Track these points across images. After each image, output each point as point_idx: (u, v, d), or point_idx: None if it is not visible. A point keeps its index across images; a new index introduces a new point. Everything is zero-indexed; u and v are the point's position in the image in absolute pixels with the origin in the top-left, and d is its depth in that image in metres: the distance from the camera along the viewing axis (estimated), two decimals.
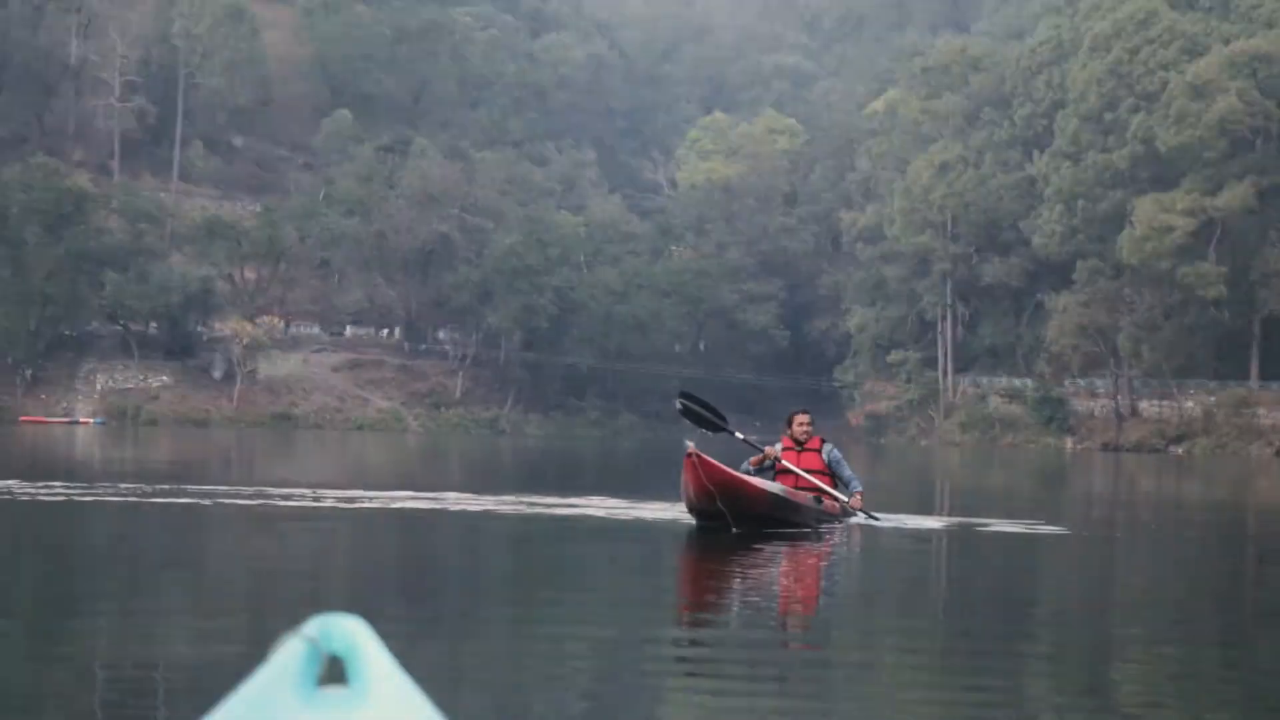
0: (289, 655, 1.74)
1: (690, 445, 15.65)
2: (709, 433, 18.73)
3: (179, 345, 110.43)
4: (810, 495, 17.01)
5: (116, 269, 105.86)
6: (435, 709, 1.78)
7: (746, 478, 15.94)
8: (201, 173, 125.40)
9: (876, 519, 17.54)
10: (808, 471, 17.38)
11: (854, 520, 17.43)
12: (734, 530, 15.53)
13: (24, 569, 12.01)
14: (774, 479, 17.24)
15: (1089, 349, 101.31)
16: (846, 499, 17.57)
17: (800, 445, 17.59)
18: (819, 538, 15.81)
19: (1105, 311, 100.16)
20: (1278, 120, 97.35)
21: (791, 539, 15.35)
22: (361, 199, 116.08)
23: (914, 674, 7.76)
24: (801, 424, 17.70)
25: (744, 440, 18.18)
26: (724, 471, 15.55)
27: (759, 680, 7.26)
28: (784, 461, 17.41)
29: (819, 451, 17.58)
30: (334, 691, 1.78)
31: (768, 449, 17.55)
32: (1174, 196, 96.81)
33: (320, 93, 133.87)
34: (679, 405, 18.78)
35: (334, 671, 1.75)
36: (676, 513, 16.72)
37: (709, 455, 15.61)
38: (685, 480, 15.70)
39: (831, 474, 17.61)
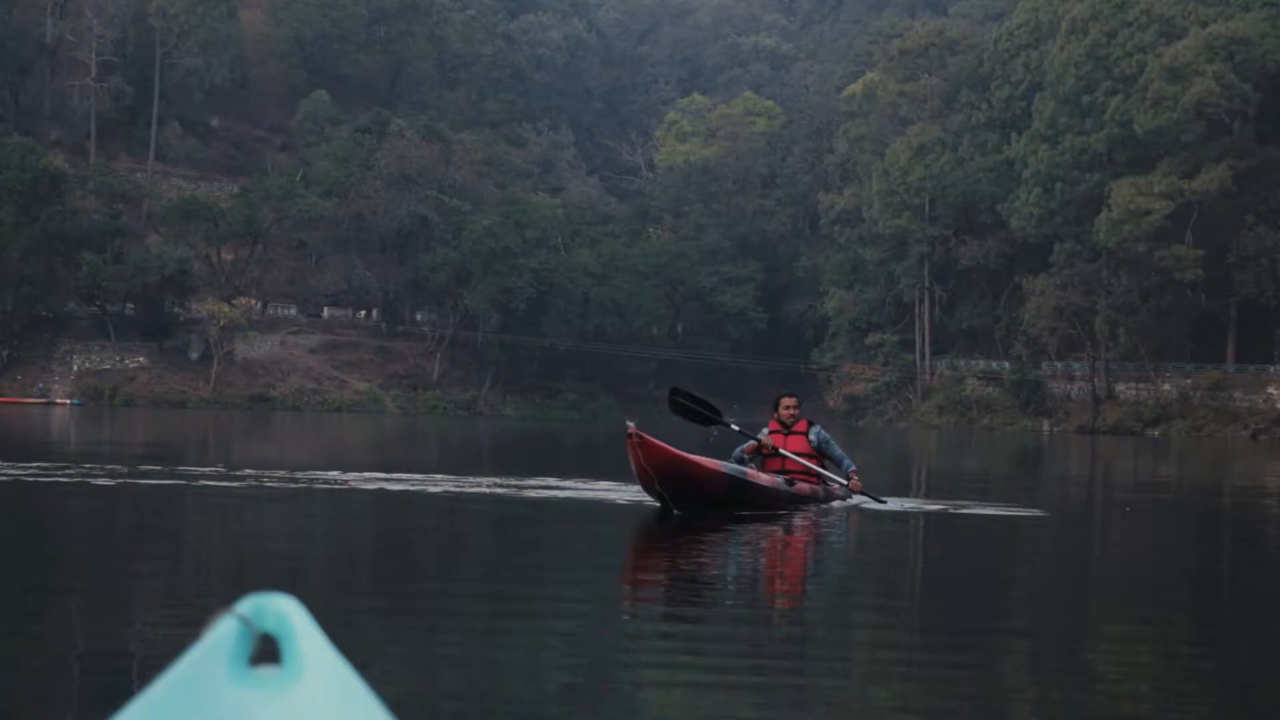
0: (221, 634, 1.79)
1: (630, 425, 15.48)
2: (704, 426, 18.55)
3: (156, 326, 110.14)
4: (782, 478, 16.90)
5: (93, 250, 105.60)
6: (368, 688, 1.81)
7: (693, 458, 15.66)
8: (178, 153, 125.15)
9: (883, 501, 17.50)
10: (795, 454, 17.31)
11: (854, 502, 17.38)
12: (675, 513, 15.43)
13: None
14: (764, 465, 17.19)
15: (1066, 332, 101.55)
16: (845, 482, 17.51)
17: (787, 429, 17.53)
18: (790, 520, 15.78)
19: (1082, 294, 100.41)
20: (1255, 103, 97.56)
21: (762, 521, 15.32)
22: (339, 180, 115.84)
23: (893, 657, 7.74)
24: (788, 407, 17.63)
25: (739, 431, 18.06)
26: (666, 452, 15.31)
27: (732, 659, 7.24)
28: (780, 449, 17.32)
29: (806, 435, 17.51)
30: (266, 670, 1.77)
31: (761, 437, 17.48)
32: (1151, 179, 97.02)
33: (297, 73, 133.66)
34: (669, 402, 18.67)
35: (268, 651, 1.79)
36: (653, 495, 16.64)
37: (651, 435, 15.48)
38: (630, 462, 15.56)
39: (821, 456, 17.55)
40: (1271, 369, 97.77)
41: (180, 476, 19.72)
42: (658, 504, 15.82)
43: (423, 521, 15.57)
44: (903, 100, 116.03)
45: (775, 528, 14.88)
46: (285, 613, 1.79)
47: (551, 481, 20.57)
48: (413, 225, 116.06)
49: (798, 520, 15.74)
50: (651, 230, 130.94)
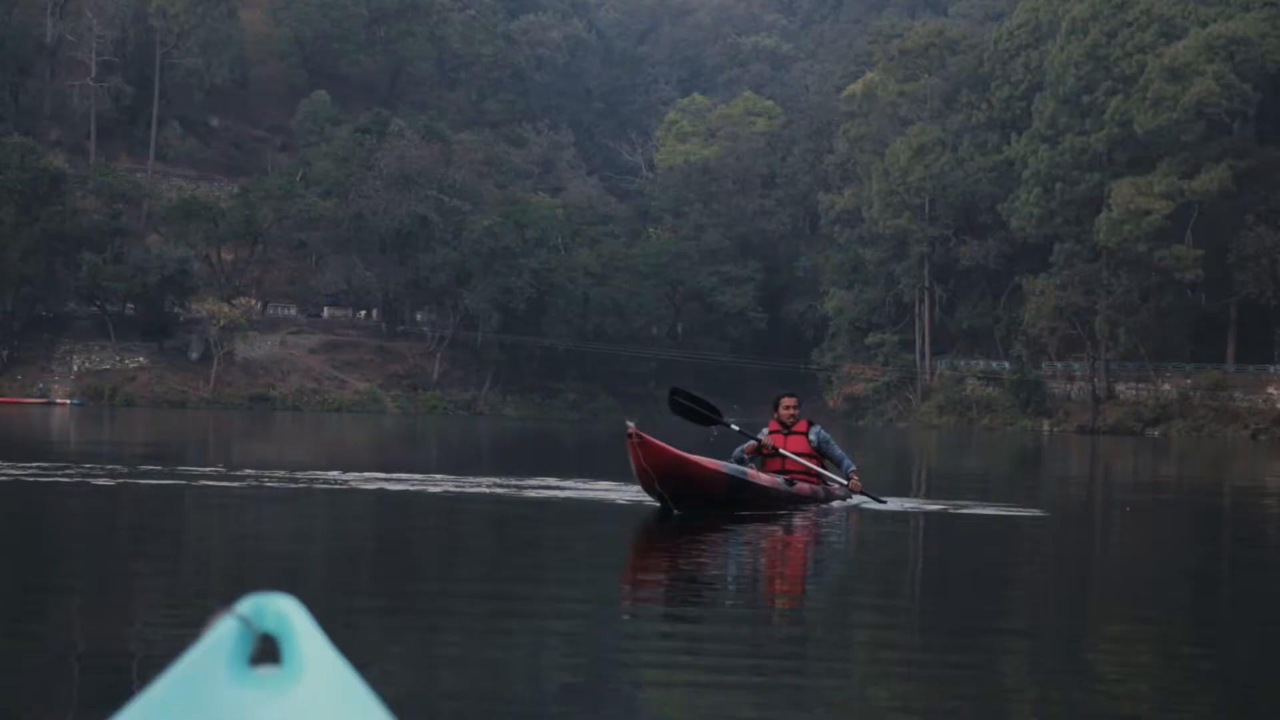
0: (221, 634, 1.78)
1: (630, 425, 15.46)
2: (704, 426, 18.52)
3: (156, 326, 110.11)
4: (782, 478, 16.88)
5: (93, 250, 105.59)
6: (368, 688, 1.81)
7: (693, 458, 15.63)
8: (178, 153, 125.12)
9: (883, 501, 17.50)
10: (795, 454, 17.29)
11: (854, 502, 17.37)
12: (675, 512, 15.42)
13: None
14: (764, 465, 17.17)
15: (1066, 332, 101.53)
16: (845, 482, 17.50)
17: (787, 429, 17.51)
18: (790, 520, 15.76)
19: (1082, 294, 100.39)
20: (1255, 103, 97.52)
21: (762, 521, 15.31)
22: (339, 180, 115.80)
23: (893, 657, 7.74)
24: (788, 407, 17.60)
25: (740, 431, 18.04)
26: (665, 452, 15.30)
27: (732, 659, 7.24)
28: (779, 449, 17.30)
29: (806, 434, 17.48)
30: (266, 670, 1.78)
31: (761, 437, 17.45)
32: (1151, 179, 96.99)
33: (297, 73, 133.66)
34: (669, 402, 18.64)
35: (268, 651, 1.79)
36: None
37: (652, 435, 15.45)
38: (630, 462, 15.53)
39: (821, 456, 17.53)
40: (1271, 369, 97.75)
41: (180, 476, 19.72)
42: (658, 504, 15.81)
43: (423, 521, 15.57)
44: (903, 100, 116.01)
45: (775, 528, 14.88)
46: (285, 613, 1.79)
47: (551, 481, 20.56)
48: (413, 225, 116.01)
49: (798, 520, 15.73)
50: (651, 230, 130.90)
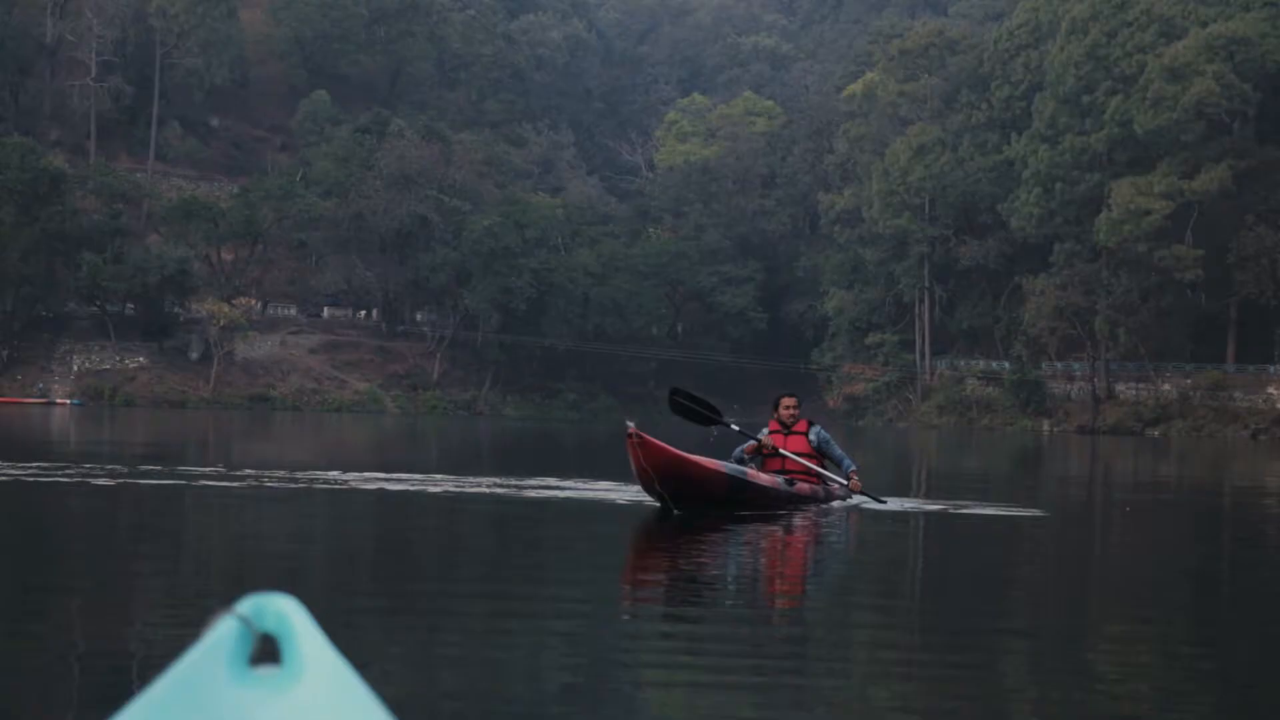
0: (221, 634, 1.80)
1: (630, 425, 15.45)
2: (704, 426, 18.50)
3: (156, 326, 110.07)
4: (782, 478, 16.87)
5: (93, 250, 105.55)
6: (368, 688, 1.82)
7: (693, 458, 15.61)
8: (178, 153, 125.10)
9: (883, 501, 17.49)
10: (795, 454, 17.27)
11: (854, 502, 17.36)
12: (675, 512, 15.41)
13: None
14: (764, 465, 17.16)
15: (1066, 332, 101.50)
16: (845, 482, 17.49)
17: (787, 429, 17.49)
18: (790, 520, 15.76)
19: (1082, 294, 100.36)
20: (1255, 103, 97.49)
21: (762, 521, 15.30)
22: (339, 180, 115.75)
23: (893, 657, 7.74)
24: (788, 407, 17.59)
25: (740, 431, 18.02)
26: (665, 452, 15.31)
27: (732, 659, 7.23)
28: (779, 449, 17.28)
29: (806, 434, 17.47)
30: (266, 670, 1.79)
31: (761, 437, 17.44)
32: (1151, 179, 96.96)
33: (297, 73, 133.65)
34: (669, 402, 18.63)
35: (268, 651, 1.79)
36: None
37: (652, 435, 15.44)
38: (630, 462, 15.52)
39: (821, 456, 17.52)
40: (1271, 369, 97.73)
41: (180, 476, 19.72)
42: (658, 504, 15.80)
43: (423, 521, 15.56)
44: (903, 100, 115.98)
45: (775, 528, 14.87)
46: (285, 613, 1.81)
47: (551, 481, 20.55)
48: (413, 225, 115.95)
49: (798, 520, 15.72)
50: (651, 230, 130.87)
